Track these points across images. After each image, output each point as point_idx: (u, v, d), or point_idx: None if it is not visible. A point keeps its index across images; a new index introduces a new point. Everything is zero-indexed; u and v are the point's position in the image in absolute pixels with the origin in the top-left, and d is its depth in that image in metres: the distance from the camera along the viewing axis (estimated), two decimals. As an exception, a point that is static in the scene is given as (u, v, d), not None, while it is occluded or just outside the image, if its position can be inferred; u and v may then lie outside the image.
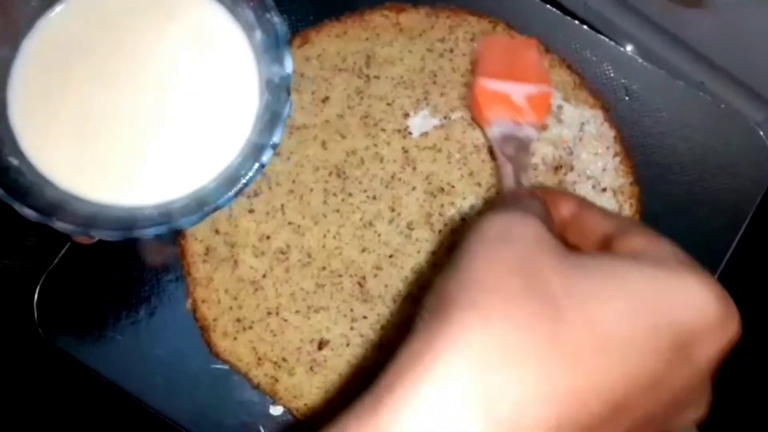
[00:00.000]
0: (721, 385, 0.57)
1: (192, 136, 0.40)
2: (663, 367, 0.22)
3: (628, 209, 0.47)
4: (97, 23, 0.40)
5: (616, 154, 0.48)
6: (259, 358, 0.45)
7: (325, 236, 0.46)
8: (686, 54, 0.53)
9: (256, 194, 0.46)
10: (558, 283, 0.23)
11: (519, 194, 0.36)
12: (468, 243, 0.25)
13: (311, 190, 0.46)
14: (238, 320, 0.45)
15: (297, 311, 0.45)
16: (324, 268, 0.46)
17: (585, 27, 0.50)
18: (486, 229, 0.25)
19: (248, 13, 0.39)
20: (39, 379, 0.52)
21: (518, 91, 0.42)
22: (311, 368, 0.45)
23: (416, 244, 0.46)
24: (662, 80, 0.49)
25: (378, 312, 0.45)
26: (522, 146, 0.41)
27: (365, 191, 0.47)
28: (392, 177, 0.47)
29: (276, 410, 0.46)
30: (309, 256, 0.46)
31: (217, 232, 0.46)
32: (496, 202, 0.45)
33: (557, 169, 0.47)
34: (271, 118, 0.39)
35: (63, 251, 0.46)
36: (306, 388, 0.45)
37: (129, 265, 0.46)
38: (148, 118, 0.39)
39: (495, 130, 0.42)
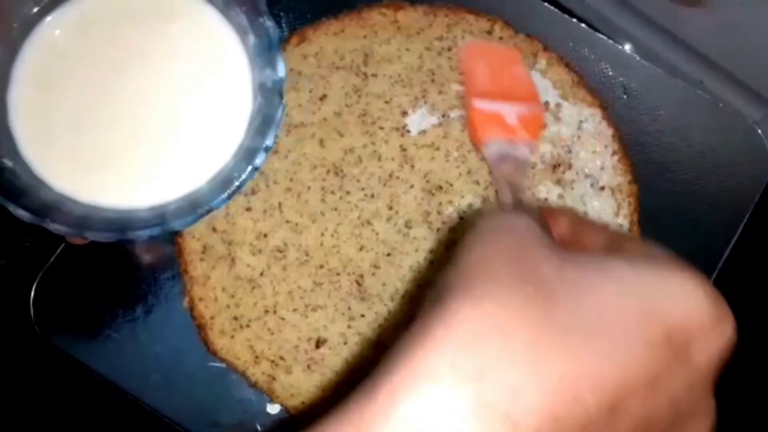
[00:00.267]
0: (721, 385, 0.57)
1: (186, 139, 0.40)
2: (658, 366, 0.22)
3: (626, 207, 0.47)
4: (93, 27, 0.40)
5: (614, 153, 0.48)
6: (257, 357, 0.45)
7: (322, 234, 0.46)
8: (685, 53, 0.53)
9: (253, 192, 0.46)
10: (550, 271, 0.23)
11: (517, 208, 0.36)
12: (465, 240, 0.25)
13: (309, 188, 0.46)
14: (236, 318, 0.45)
15: (294, 309, 0.45)
16: (321, 267, 0.46)
17: (583, 25, 0.49)
18: (481, 225, 0.26)
19: (241, 18, 0.40)
20: (36, 379, 0.52)
21: (511, 111, 0.43)
22: (308, 367, 0.45)
23: (414, 242, 0.46)
24: (661, 79, 0.49)
25: (376, 311, 0.45)
26: (518, 166, 0.41)
27: (363, 189, 0.46)
28: (390, 175, 0.47)
29: (273, 408, 0.45)
30: (306, 254, 0.46)
31: (214, 230, 0.46)
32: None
33: (555, 167, 0.47)
34: (263, 121, 0.39)
35: (59, 249, 0.46)
36: (303, 386, 0.45)
37: (126, 264, 0.46)
38: (143, 120, 0.40)
39: (491, 149, 0.42)
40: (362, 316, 0.45)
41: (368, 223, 0.46)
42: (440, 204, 0.46)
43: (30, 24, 0.39)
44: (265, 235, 0.46)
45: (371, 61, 0.48)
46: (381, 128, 0.47)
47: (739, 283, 0.57)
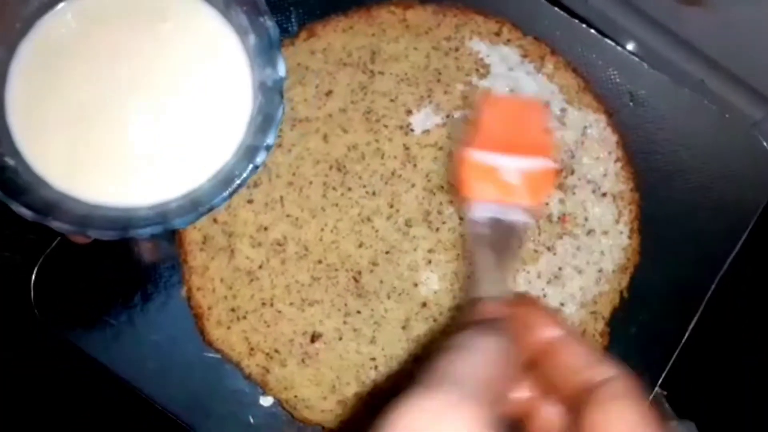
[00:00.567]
0: (722, 385, 0.57)
1: (187, 138, 0.40)
2: None
3: (627, 215, 0.47)
4: (93, 25, 0.40)
5: (617, 160, 0.48)
6: (252, 348, 0.45)
7: (322, 230, 0.46)
8: (686, 52, 0.53)
9: (255, 185, 0.46)
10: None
11: (487, 311, 0.30)
12: (439, 350, 0.26)
13: (311, 183, 0.46)
14: (233, 310, 0.45)
15: (291, 303, 0.45)
16: (320, 262, 0.46)
17: (592, 31, 0.49)
18: (455, 341, 0.26)
19: (241, 17, 0.40)
20: (36, 370, 0.52)
21: (512, 166, 0.35)
22: (303, 360, 0.45)
23: (413, 241, 0.46)
24: (667, 87, 0.49)
25: (372, 307, 0.45)
26: (506, 234, 0.34)
27: (365, 186, 0.47)
28: (392, 173, 0.47)
29: (266, 401, 0.46)
30: (306, 248, 0.46)
31: (215, 221, 0.46)
32: (463, 314, 0.40)
33: (558, 172, 0.47)
34: (264, 120, 0.39)
35: (58, 238, 0.46)
36: (297, 380, 0.45)
37: (125, 252, 0.47)
38: (143, 119, 0.40)
39: (477, 212, 0.35)
40: (358, 312, 0.45)
41: (368, 220, 0.46)
42: (441, 204, 0.46)
43: (28, 22, 0.39)
44: (266, 228, 0.46)
45: (378, 59, 0.48)
46: (385, 126, 0.47)
47: (742, 290, 0.57)
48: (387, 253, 0.46)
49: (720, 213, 0.48)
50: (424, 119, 0.47)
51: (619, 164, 0.48)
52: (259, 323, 0.45)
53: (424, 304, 0.46)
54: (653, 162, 0.48)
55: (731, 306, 0.57)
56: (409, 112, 0.47)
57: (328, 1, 0.49)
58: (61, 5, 0.40)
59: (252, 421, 0.46)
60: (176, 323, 0.46)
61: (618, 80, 0.49)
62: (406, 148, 0.47)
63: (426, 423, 0.22)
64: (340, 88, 0.48)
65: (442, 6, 0.49)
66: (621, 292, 0.47)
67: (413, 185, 0.47)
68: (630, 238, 0.47)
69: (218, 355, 0.46)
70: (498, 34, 0.49)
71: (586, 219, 0.47)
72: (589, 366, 0.27)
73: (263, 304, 0.45)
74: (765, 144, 0.48)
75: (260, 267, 0.46)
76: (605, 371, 0.27)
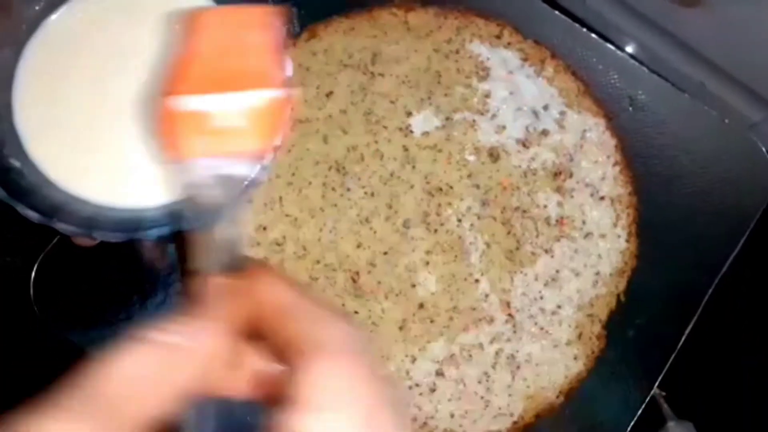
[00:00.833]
0: (720, 386, 0.57)
1: None
2: None
3: (624, 218, 0.47)
4: (98, 26, 0.40)
5: (616, 163, 0.48)
6: (250, 348, 0.45)
7: (321, 230, 0.46)
8: (686, 54, 0.53)
9: (255, 185, 0.47)
10: None
11: (207, 290, 0.25)
12: None
13: (310, 183, 0.47)
14: (231, 309, 0.46)
15: (289, 303, 0.46)
16: (318, 262, 0.46)
17: (593, 35, 0.49)
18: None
19: None
20: (37, 370, 0.52)
21: (231, 106, 0.28)
22: (300, 360, 0.45)
23: (411, 242, 0.46)
24: (667, 91, 0.49)
25: (369, 308, 0.46)
26: (231, 190, 0.28)
27: (364, 187, 0.47)
28: (391, 175, 0.47)
29: (263, 400, 0.46)
30: (304, 249, 0.46)
31: (214, 220, 0.46)
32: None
33: (556, 175, 0.47)
34: None
35: (58, 235, 0.46)
36: (294, 379, 0.45)
37: (126, 251, 0.47)
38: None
39: (189, 175, 0.28)
40: (356, 312, 0.46)
41: (367, 221, 0.46)
42: (439, 206, 0.47)
43: (34, 23, 0.39)
44: (265, 228, 0.46)
45: (379, 61, 0.48)
46: (385, 127, 0.47)
47: (741, 292, 0.57)
48: (385, 253, 0.46)
49: (718, 217, 0.48)
50: (423, 121, 0.48)
51: (617, 168, 0.48)
52: (257, 322, 0.46)
53: (421, 305, 0.46)
54: (652, 166, 0.48)
55: (729, 308, 0.58)
56: (408, 114, 0.48)
57: (330, 2, 0.50)
58: (66, 6, 0.40)
59: (249, 419, 0.46)
60: (175, 322, 0.46)
61: (618, 84, 0.49)
62: (406, 150, 0.47)
63: None
64: (341, 90, 0.48)
65: (443, 9, 0.49)
66: (618, 296, 0.47)
67: (412, 186, 0.47)
68: (628, 241, 0.47)
69: (216, 354, 0.46)
70: (499, 37, 0.49)
71: (584, 222, 0.47)
72: (314, 325, 0.24)
73: (261, 303, 0.46)
74: (764, 149, 0.48)
75: (259, 266, 0.46)
76: (328, 330, 0.24)
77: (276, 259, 0.46)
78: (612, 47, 0.49)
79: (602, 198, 0.47)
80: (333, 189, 0.47)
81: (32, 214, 0.35)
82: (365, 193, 0.47)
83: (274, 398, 0.24)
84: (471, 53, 0.49)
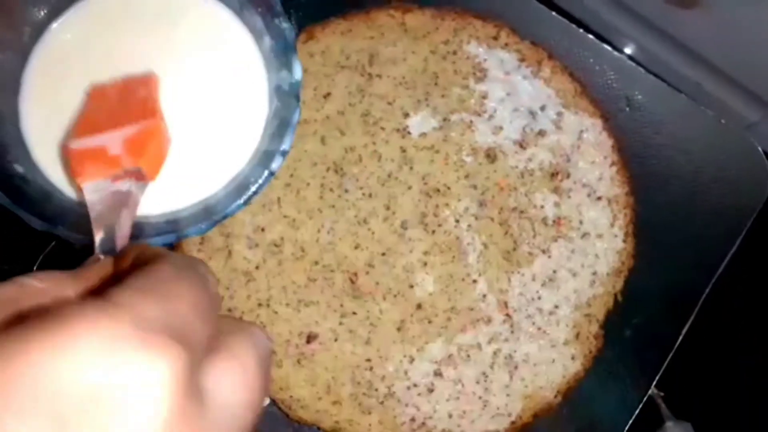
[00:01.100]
0: (718, 386, 0.57)
1: (200, 144, 0.39)
2: None
3: (621, 219, 0.47)
4: (105, 30, 0.40)
5: (613, 164, 0.48)
6: (248, 349, 0.45)
7: (319, 231, 0.46)
8: (683, 55, 0.53)
9: (253, 186, 0.47)
10: None
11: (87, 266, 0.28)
12: None
13: (308, 184, 0.47)
14: (229, 310, 0.46)
15: (287, 304, 0.46)
16: (316, 263, 0.46)
17: (590, 35, 0.50)
18: None
19: (256, 19, 0.39)
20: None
21: (116, 139, 0.35)
22: (299, 361, 0.45)
23: (409, 243, 0.46)
24: (664, 92, 0.49)
25: (368, 309, 0.46)
26: (116, 202, 0.33)
27: (361, 188, 0.47)
28: (389, 176, 0.47)
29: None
30: (302, 250, 0.46)
31: (213, 221, 0.46)
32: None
33: (553, 175, 0.47)
34: (280, 124, 0.38)
35: (56, 239, 0.46)
36: (293, 380, 0.45)
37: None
38: None
39: (89, 192, 0.33)
40: (354, 313, 0.46)
41: (365, 222, 0.47)
42: (437, 206, 0.47)
43: (39, 28, 0.39)
44: (263, 229, 0.46)
45: (376, 62, 0.49)
46: (382, 129, 0.48)
47: (739, 291, 0.57)
48: (383, 254, 0.46)
49: (716, 217, 0.48)
50: (421, 122, 0.48)
51: (614, 168, 0.48)
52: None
53: (419, 306, 0.46)
54: (649, 166, 0.49)
55: (727, 307, 0.58)
56: (406, 115, 0.48)
57: (327, 3, 0.50)
58: (71, 10, 0.39)
59: (248, 420, 0.46)
60: (173, 323, 0.46)
61: (615, 85, 0.49)
62: (403, 151, 0.47)
63: None
64: (338, 91, 0.48)
65: (440, 10, 0.49)
66: (615, 295, 0.47)
67: (410, 188, 0.47)
68: (625, 241, 0.47)
69: (215, 355, 0.46)
70: (496, 38, 0.49)
71: (581, 222, 0.47)
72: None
73: (259, 304, 0.46)
74: (760, 149, 0.49)
75: (257, 268, 0.46)
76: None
77: (274, 260, 0.46)
78: (609, 48, 0.50)
79: (599, 198, 0.48)
80: (331, 190, 0.47)
81: (35, 221, 0.35)
82: (363, 194, 0.47)
83: None
84: (468, 54, 0.49)
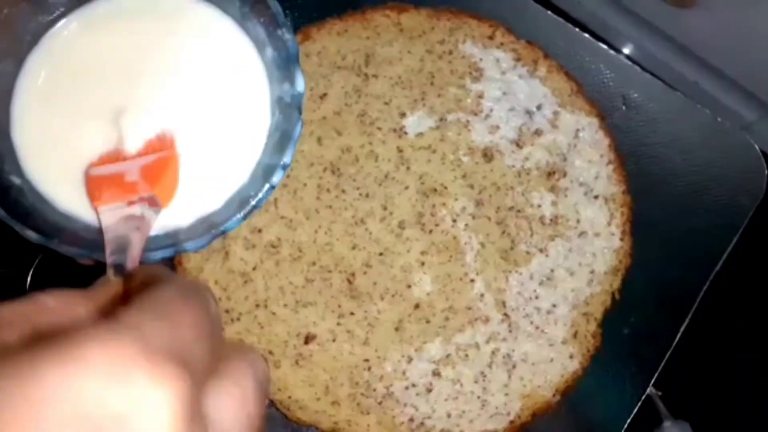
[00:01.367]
0: (716, 385, 0.57)
1: (201, 157, 0.38)
2: None
3: (618, 217, 0.48)
4: (102, 40, 0.39)
5: (609, 162, 0.48)
6: (246, 350, 0.45)
7: (316, 232, 0.46)
8: (680, 54, 0.53)
9: (250, 187, 0.47)
10: None
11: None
12: None
13: (305, 185, 0.47)
14: (227, 311, 0.46)
15: (285, 305, 0.46)
16: (314, 264, 0.46)
17: (585, 34, 0.50)
18: None
19: (259, 29, 0.38)
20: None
21: (133, 167, 0.36)
22: (296, 362, 0.45)
23: (406, 243, 0.46)
24: (660, 90, 0.49)
25: (365, 309, 0.46)
26: (131, 225, 0.33)
27: (358, 189, 0.47)
28: (386, 176, 0.47)
29: (260, 402, 0.46)
30: (299, 250, 0.46)
31: (209, 222, 0.46)
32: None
33: (550, 174, 0.47)
34: (281, 137, 0.37)
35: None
36: (291, 381, 0.45)
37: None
38: (154, 137, 0.37)
39: (105, 216, 0.34)
40: (352, 314, 0.46)
41: (362, 222, 0.46)
42: (434, 206, 0.47)
43: (35, 36, 0.38)
44: (260, 230, 0.46)
45: (373, 62, 0.49)
46: (379, 129, 0.48)
47: (736, 289, 0.57)
48: (380, 254, 0.46)
49: (712, 215, 0.49)
50: (417, 122, 0.48)
51: (611, 167, 0.48)
52: (253, 325, 0.46)
53: (417, 306, 0.46)
54: (645, 165, 0.49)
55: (724, 306, 0.58)
56: (402, 115, 0.48)
57: (323, 4, 0.50)
58: (68, 19, 0.38)
59: (246, 421, 0.46)
60: (171, 324, 0.46)
61: (611, 84, 0.49)
62: (400, 151, 0.47)
63: None
64: (335, 91, 0.48)
65: (436, 10, 0.49)
66: (613, 294, 0.47)
67: (406, 187, 0.47)
68: (622, 240, 0.47)
69: (212, 356, 0.46)
70: (491, 37, 0.49)
71: (578, 221, 0.47)
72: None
73: (257, 305, 0.46)
74: (756, 147, 0.49)
75: (254, 269, 0.46)
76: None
77: (271, 261, 0.46)
78: (605, 47, 0.50)
79: (596, 197, 0.48)
80: (328, 190, 0.47)
81: (32, 235, 0.34)
82: (360, 194, 0.47)
83: None
84: (464, 54, 0.49)
